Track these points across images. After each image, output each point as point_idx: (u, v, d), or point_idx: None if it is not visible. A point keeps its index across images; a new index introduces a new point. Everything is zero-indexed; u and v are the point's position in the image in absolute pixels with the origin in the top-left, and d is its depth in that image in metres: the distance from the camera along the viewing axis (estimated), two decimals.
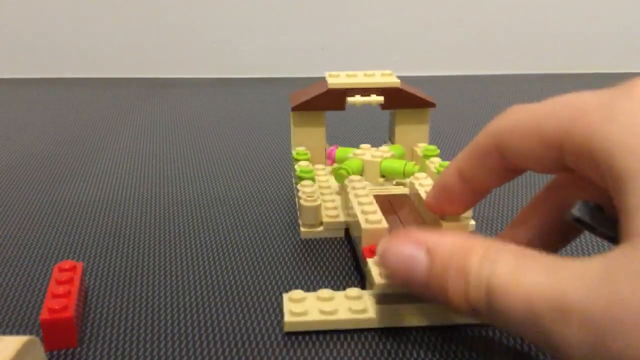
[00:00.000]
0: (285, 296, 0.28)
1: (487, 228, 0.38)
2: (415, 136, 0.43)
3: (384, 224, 0.30)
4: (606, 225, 0.22)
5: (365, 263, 0.29)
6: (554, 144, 0.22)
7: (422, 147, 0.43)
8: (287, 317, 0.27)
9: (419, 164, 0.43)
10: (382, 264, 0.24)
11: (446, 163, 0.39)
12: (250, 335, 0.27)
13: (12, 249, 0.36)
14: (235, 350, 0.26)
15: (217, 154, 0.53)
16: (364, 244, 0.29)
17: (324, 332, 0.27)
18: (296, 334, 0.27)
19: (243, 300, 0.30)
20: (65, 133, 0.60)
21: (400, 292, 0.26)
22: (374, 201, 0.32)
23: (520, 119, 0.23)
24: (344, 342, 0.26)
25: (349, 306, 0.27)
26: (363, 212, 0.31)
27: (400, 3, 0.87)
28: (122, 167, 0.50)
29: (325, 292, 0.28)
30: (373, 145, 0.41)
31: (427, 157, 0.41)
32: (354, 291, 0.28)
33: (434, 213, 0.30)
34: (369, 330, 0.27)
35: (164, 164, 0.50)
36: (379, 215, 0.30)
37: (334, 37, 0.88)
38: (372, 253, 0.28)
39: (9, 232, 0.38)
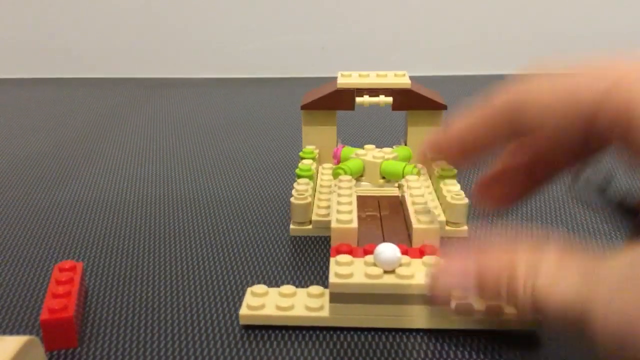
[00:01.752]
0: (248, 290, 0.28)
1: (480, 234, 0.37)
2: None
3: (354, 225, 0.29)
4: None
5: None
6: (586, 112, 0.21)
7: None
8: (243, 311, 0.27)
9: (427, 168, 0.43)
10: (433, 287, 0.25)
11: (449, 167, 0.39)
12: (251, 334, 0.27)
13: (12, 249, 0.36)
14: (235, 349, 0.26)
15: (217, 153, 0.53)
16: (333, 242, 0.29)
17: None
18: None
19: (237, 298, 0.30)
20: (65, 133, 0.60)
21: (355, 292, 0.26)
22: (353, 202, 0.32)
23: (548, 86, 0.22)
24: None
25: (307, 303, 0.27)
26: (337, 212, 0.31)
27: (400, 3, 0.87)
28: (121, 167, 0.50)
29: (287, 288, 0.28)
30: (388, 146, 0.41)
31: (434, 160, 0.41)
32: (316, 289, 0.28)
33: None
34: (327, 328, 0.27)
35: (164, 164, 0.50)
36: (351, 215, 0.30)
37: (334, 37, 0.88)
38: (338, 252, 0.28)
39: (9, 232, 0.38)
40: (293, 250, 0.35)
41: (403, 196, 0.34)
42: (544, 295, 0.21)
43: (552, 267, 0.21)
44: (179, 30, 0.88)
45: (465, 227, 0.36)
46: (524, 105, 0.23)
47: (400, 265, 0.26)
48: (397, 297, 0.26)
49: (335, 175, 0.37)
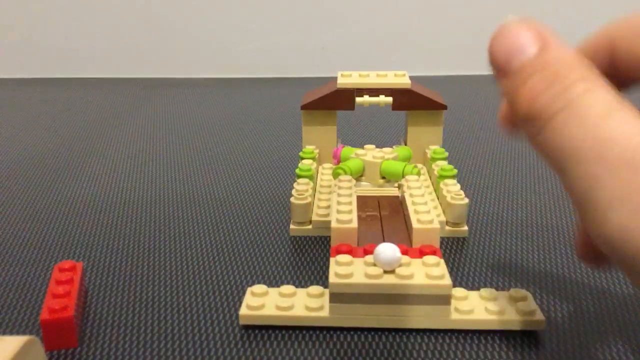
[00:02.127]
0: (248, 290, 0.28)
1: (481, 233, 0.37)
2: (429, 138, 0.43)
3: (354, 225, 0.29)
4: None
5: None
6: None
7: (431, 149, 0.42)
8: (243, 311, 0.27)
9: (427, 167, 0.43)
10: (493, 37, 0.21)
11: (449, 167, 0.39)
12: (251, 334, 0.27)
13: (12, 249, 0.36)
14: (235, 349, 0.26)
15: (217, 153, 0.53)
16: (333, 242, 0.29)
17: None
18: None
19: (237, 298, 0.30)
20: (65, 133, 0.60)
21: (355, 292, 0.26)
22: (353, 202, 0.32)
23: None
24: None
25: (307, 303, 0.27)
26: (337, 212, 0.31)
27: (400, 3, 0.86)
28: (121, 167, 0.50)
29: (287, 288, 0.28)
30: (388, 146, 0.41)
31: (434, 159, 0.41)
32: (316, 289, 0.28)
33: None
34: (327, 328, 0.27)
35: (164, 164, 0.50)
36: (350, 215, 0.30)
37: (334, 37, 0.88)
38: (338, 252, 0.28)
39: (9, 232, 0.38)
40: (293, 250, 0.35)
41: (403, 196, 0.34)
42: (583, 115, 0.17)
43: (608, 99, 0.17)
44: (179, 30, 0.88)
45: (465, 227, 0.36)
46: (620, 39, 0.21)
47: (400, 265, 0.26)
48: (397, 297, 0.26)
49: (335, 175, 0.37)
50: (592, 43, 0.22)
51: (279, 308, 0.27)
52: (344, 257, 0.27)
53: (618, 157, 0.16)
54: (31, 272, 0.33)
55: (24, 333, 0.27)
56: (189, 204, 0.42)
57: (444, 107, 0.42)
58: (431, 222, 0.29)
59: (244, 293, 0.30)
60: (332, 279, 0.26)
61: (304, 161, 0.41)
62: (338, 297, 0.26)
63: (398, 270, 0.26)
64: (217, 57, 0.88)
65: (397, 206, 0.35)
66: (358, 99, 0.41)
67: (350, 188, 0.34)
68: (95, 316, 0.29)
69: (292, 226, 0.37)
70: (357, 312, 0.26)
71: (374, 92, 0.41)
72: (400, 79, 0.42)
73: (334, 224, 0.29)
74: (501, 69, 0.20)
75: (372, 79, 0.42)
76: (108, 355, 0.26)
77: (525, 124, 0.18)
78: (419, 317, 0.26)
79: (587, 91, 0.18)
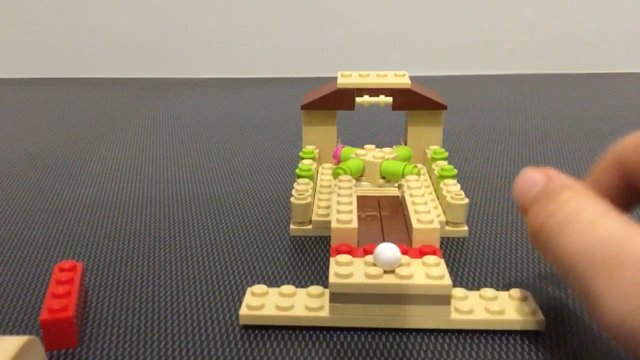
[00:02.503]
0: (248, 290, 0.29)
1: (481, 233, 0.37)
2: (429, 138, 0.43)
3: (354, 225, 0.29)
4: None
5: None
6: None
7: (431, 149, 0.43)
8: (243, 311, 0.27)
9: (427, 167, 0.43)
10: (515, 181, 0.25)
11: (449, 167, 0.39)
12: (251, 334, 0.27)
13: (12, 249, 0.36)
14: (235, 349, 0.26)
15: (217, 153, 0.53)
16: (333, 242, 0.29)
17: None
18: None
19: (237, 298, 0.30)
20: (66, 133, 0.60)
21: (355, 292, 0.26)
22: (353, 202, 0.32)
23: None
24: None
25: (307, 303, 0.27)
26: (337, 212, 0.31)
27: (400, 3, 0.87)
28: (121, 167, 0.50)
29: (287, 288, 0.28)
30: (388, 146, 0.41)
31: (434, 159, 0.41)
32: (316, 289, 0.28)
33: None
34: (327, 328, 0.27)
35: (164, 164, 0.50)
36: (351, 215, 0.30)
37: (334, 37, 0.88)
38: (338, 252, 0.28)
39: (9, 232, 0.38)
40: (293, 250, 0.35)
41: (403, 196, 0.34)
42: (576, 222, 0.20)
43: (597, 209, 0.20)
44: (179, 30, 0.88)
45: (465, 227, 0.36)
46: (627, 154, 0.25)
47: (400, 265, 0.26)
48: (397, 297, 0.26)
49: (335, 175, 0.37)
50: (603, 164, 0.26)
51: (279, 308, 0.27)
52: (344, 257, 0.27)
53: (606, 255, 0.19)
54: (31, 272, 0.33)
55: (24, 333, 0.27)
56: (189, 204, 0.42)
57: (444, 107, 0.42)
58: (431, 222, 0.29)
59: (244, 293, 0.30)
60: (332, 279, 0.26)
61: (304, 161, 0.41)
62: (338, 297, 0.26)
63: (398, 270, 0.26)
64: (217, 57, 0.88)
65: (397, 206, 0.35)
66: (358, 99, 0.41)
67: (350, 188, 0.34)
68: (95, 316, 0.29)
69: (292, 226, 0.37)
70: (357, 312, 0.27)
71: (374, 92, 0.41)
72: (400, 79, 0.42)
73: (334, 224, 0.29)
74: (522, 203, 0.24)
75: (372, 79, 0.42)
76: (108, 355, 0.26)
77: (535, 238, 0.22)
78: (419, 317, 0.26)
79: (579, 205, 0.21)
